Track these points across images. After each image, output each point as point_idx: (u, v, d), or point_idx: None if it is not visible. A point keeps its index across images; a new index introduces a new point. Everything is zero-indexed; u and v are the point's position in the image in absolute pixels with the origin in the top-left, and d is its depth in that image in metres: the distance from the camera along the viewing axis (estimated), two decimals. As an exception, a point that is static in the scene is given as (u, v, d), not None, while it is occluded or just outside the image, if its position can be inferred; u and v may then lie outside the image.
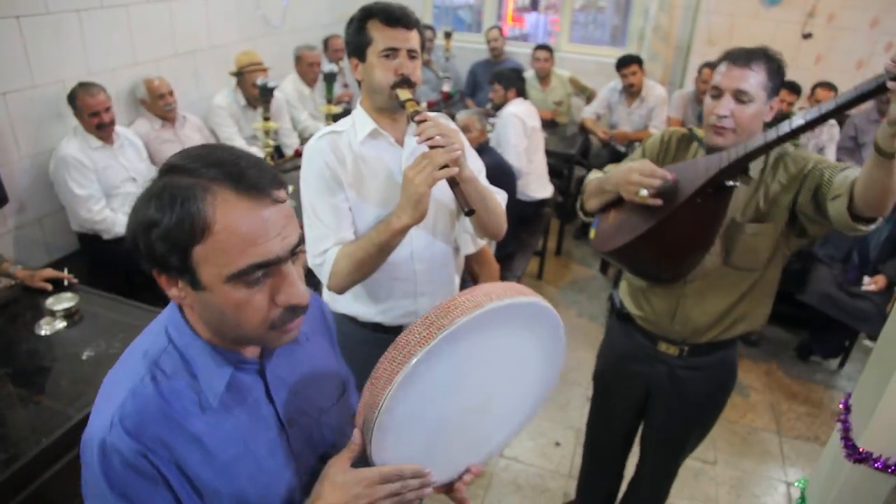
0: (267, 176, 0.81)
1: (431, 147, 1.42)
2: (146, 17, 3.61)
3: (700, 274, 1.72)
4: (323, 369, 1.08)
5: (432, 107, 4.96)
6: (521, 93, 4.01)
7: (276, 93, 3.70)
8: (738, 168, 1.52)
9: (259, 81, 2.72)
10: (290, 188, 3.23)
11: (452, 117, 1.93)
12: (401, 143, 1.65)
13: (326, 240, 1.58)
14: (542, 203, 4.03)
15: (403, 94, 1.53)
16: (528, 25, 6.43)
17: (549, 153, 4.18)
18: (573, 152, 4.55)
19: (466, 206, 1.41)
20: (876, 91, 1.25)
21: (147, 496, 0.83)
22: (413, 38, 1.54)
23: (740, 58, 1.56)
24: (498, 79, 4.04)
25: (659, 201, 1.55)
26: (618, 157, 4.61)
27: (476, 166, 1.74)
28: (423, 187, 1.40)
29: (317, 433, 1.03)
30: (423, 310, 1.76)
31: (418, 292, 1.74)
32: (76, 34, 3.18)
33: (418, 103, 1.53)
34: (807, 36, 4.82)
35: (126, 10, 3.45)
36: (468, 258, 2.07)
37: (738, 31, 5.00)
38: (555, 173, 4.39)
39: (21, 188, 3.01)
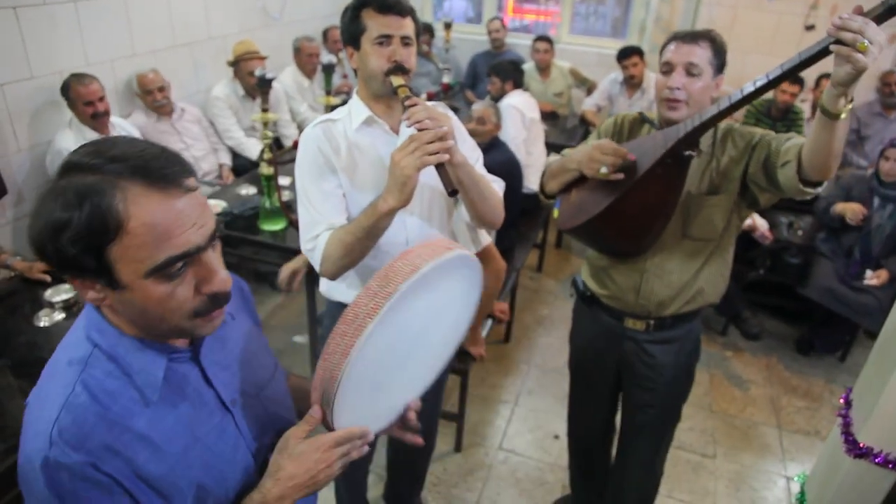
0: (175, 165, 0.79)
1: (419, 129, 1.43)
2: (144, 7, 3.58)
3: (660, 247, 1.79)
4: (253, 345, 1.09)
5: (432, 98, 4.93)
6: (519, 84, 3.98)
7: (274, 84, 3.68)
8: (697, 137, 1.59)
9: (257, 72, 2.70)
10: (289, 180, 3.20)
11: (455, 109, 1.93)
12: (396, 131, 1.65)
13: (318, 225, 1.59)
14: (542, 195, 4.01)
15: (396, 80, 1.53)
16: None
17: (549, 145, 4.15)
18: (573, 145, 4.52)
19: (449, 187, 1.42)
20: (820, 54, 1.30)
21: None
22: (407, 25, 1.55)
23: (687, 36, 1.66)
24: (495, 71, 4.01)
25: (621, 176, 1.64)
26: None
27: (473, 154, 1.74)
28: (410, 170, 1.40)
29: (260, 409, 1.05)
30: None
31: None
32: (73, 25, 3.16)
33: (411, 89, 1.54)
34: (809, 28, 4.79)
35: (123, 1, 3.42)
36: None
37: (741, 22, 4.97)
38: (555, 166, 4.36)
39: (20, 179, 3.00)
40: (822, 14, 4.68)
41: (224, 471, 0.95)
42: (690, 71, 1.63)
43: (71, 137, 2.98)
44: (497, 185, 1.77)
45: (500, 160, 3.06)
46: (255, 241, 2.89)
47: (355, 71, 1.64)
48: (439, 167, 1.43)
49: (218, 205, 3.07)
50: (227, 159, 4.02)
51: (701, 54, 1.63)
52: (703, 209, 1.73)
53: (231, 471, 0.96)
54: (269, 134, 2.84)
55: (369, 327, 0.89)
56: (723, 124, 1.74)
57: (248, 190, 3.31)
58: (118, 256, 0.76)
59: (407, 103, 1.48)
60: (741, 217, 1.79)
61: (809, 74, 4.39)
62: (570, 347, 2.20)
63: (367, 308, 0.89)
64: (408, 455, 2.30)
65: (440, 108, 1.66)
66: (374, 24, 1.52)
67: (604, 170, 1.63)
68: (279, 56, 4.61)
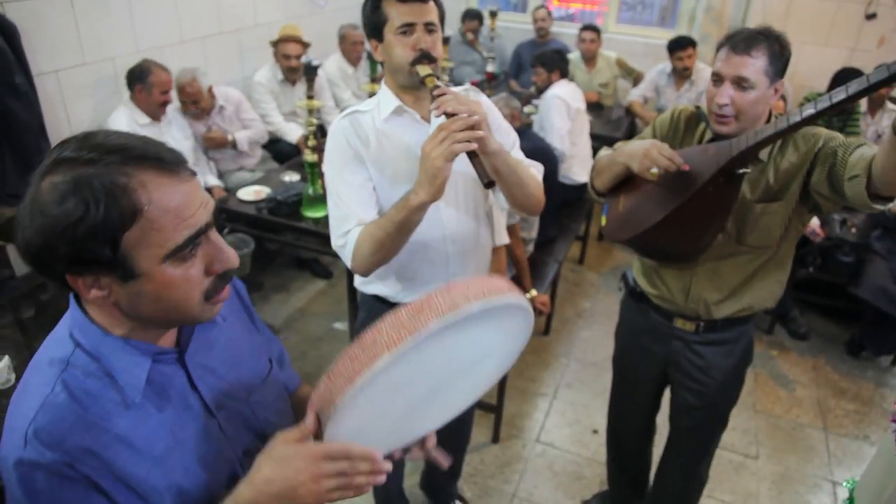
0: (175, 153, 0.83)
1: (448, 118, 1.38)
2: (193, -6, 3.64)
3: (713, 253, 1.73)
4: (245, 348, 1.06)
5: (475, 86, 4.90)
6: (564, 74, 3.92)
7: (318, 71, 3.70)
8: (750, 156, 1.51)
9: (303, 59, 2.73)
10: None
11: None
12: (427, 120, 1.60)
13: (349, 221, 1.55)
14: (585, 187, 3.96)
15: (423, 69, 1.48)
16: None
17: (594, 136, 4.09)
18: (619, 136, 4.45)
19: (485, 178, 1.37)
20: (889, 80, 1.19)
21: None
22: (430, 11, 1.50)
23: (740, 44, 1.54)
24: (540, 61, 3.95)
25: (672, 167, 1.55)
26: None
27: (509, 139, 1.70)
28: (441, 161, 1.34)
29: (249, 413, 1.02)
30: None
31: (451, 273, 1.71)
32: (125, 12, 3.23)
33: (439, 78, 1.49)
34: (871, 16, 4.58)
35: (173, -12, 3.49)
36: None
37: (796, 11, 4.79)
38: (599, 157, 4.30)
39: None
40: (884, 1, 4.47)
41: (206, 475, 0.92)
42: (740, 84, 1.54)
43: (123, 120, 3.07)
44: (535, 170, 1.73)
45: (529, 149, 3.04)
46: (297, 227, 2.92)
47: (381, 63, 1.59)
48: (473, 158, 1.37)
49: (262, 191, 3.11)
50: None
51: (753, 65, 1.52)
52: (760, 217, 1.65)
53: (213, 476, 0.93)
54: (314, 121, 2.86)
55: (383, 359, 0.80)
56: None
57: (291, 177, 3.35)
58: (134, 243, 0.77)
59: (435, 93, 1.43)
60: (802, 222, 1.70)
61: (867, 66, 4.22)
62: (616, 342, 2.17)
63: (388, 338, 0.81)
64: (444, 445, 2.30)
65: (471, 94, 1.62)
66: (396, 13, 1.48)
67: (655, 170, 1.56)
68: (324, 43, 4.63)
